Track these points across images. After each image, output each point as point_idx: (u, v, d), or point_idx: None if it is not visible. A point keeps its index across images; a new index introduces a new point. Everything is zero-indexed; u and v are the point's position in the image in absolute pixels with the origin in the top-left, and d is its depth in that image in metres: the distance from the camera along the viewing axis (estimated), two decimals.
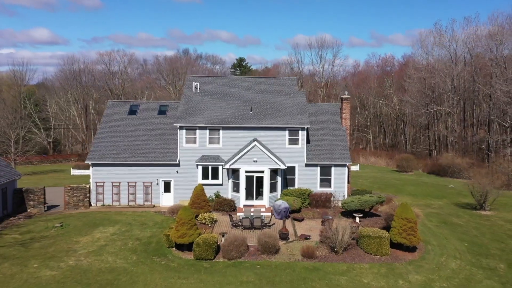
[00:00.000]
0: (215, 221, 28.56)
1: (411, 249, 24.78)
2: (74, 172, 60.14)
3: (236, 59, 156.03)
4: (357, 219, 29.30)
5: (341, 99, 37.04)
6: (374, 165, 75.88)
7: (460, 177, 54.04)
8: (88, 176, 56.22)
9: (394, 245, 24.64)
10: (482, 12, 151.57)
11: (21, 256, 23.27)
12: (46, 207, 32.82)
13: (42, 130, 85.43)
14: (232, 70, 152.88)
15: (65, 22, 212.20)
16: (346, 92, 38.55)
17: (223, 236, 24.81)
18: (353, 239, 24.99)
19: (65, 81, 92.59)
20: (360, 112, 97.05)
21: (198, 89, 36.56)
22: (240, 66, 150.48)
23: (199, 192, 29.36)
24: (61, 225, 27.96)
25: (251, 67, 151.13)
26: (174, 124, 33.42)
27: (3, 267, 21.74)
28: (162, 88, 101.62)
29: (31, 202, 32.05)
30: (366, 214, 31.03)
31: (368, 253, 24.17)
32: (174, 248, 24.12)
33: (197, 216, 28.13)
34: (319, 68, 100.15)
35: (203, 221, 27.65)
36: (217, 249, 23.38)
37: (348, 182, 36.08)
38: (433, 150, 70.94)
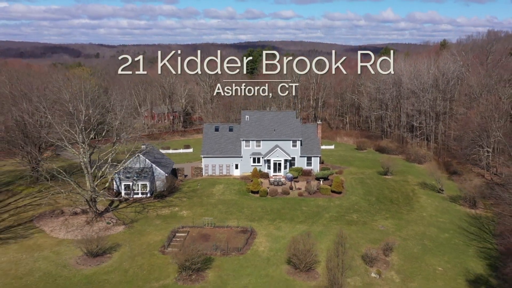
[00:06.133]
0: (262, 182, 68.85)
1: (339, 193, 65.41)
2: (161, 151, 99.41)
3: (248, 47, 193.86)
4: (321, 182, 69.64)
5: (317, 124, 76.65)
6: (345, 143, 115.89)
7: (391, 154, 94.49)
8: (171, 154, 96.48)
9: (332, 192, 65.22)
10: None
11: (196, 195, 63.91)
12: (184, 176, 73.29)
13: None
14: (245, 57, 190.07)
15: None
16: (319, 120, 78.23)
17: (268, 188, 65.39)
18: (318, 189, 65.54)
19: (130, 82, 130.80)
20: (340, 102, 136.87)
21: (248, 119, 75.95)
22: (251, 54, 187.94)
23: (255, 170, 70.05)
24: (199, 184, 68.38)
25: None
26: (240, 138, 73.31)
27: (194, 199, 62.50)
28: (194, 84, 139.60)
29: (179, 174, 72.45)
30: (325, 179, 71.38)
31: (322, 194, 64.76)
32: (250, 193, 64.76)
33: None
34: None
35: (258, 182, 67.97)
36: (267, 193, 63.89)
37: (321, 163, 76.44)
38: (383, 134, 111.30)
